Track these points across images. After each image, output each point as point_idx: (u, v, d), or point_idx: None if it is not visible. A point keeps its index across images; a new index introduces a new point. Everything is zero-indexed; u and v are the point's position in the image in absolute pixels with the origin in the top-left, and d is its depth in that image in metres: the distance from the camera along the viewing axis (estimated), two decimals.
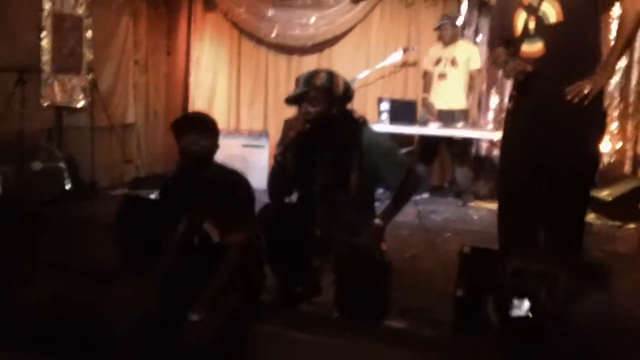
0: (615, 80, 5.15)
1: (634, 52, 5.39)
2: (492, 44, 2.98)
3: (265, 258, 2.74)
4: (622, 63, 5.35)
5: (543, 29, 2.71)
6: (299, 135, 2.60)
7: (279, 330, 2.64)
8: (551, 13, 2.68)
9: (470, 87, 5.78)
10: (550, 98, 2.74)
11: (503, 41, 2.94)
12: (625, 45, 2.77)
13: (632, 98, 5.33)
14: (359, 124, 2.75)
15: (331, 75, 2.69)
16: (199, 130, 2.60)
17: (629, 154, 5.52)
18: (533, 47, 2.74)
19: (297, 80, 2.73)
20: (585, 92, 2.64)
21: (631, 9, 2.65)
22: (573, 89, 2.66)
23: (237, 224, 2.56)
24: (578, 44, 2.73)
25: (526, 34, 2.76)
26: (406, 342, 2.44)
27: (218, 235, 2.59)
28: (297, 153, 2.70)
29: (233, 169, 2.74)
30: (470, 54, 5.70)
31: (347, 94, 2.73)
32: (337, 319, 2.65)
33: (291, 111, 6.69)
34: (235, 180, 2.67)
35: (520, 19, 2.77)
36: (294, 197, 2.85)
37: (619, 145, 5.54)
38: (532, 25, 2.73)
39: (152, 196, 5.35)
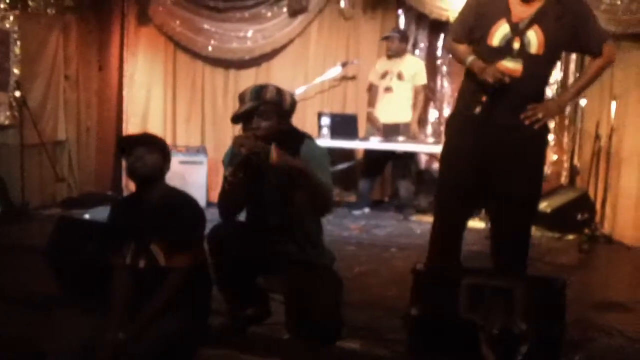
0: (551, 93, 5.29)
1: (570, 63, 5.55)
2: (455, 35, 2.99)
3: (214, 280, 2.65)
4: (558, 75, 5.51)
5: (525, 54, 2.79)
6: (250, 153, 2.49)
7: (229, 353, 2.56)
8: (534, 43, 2.77)
9: (415, 101, 5.83)
10: (512, 115, 2.82)
11: (468, 39, 2.97)
12: (586, 86, 3.01)
13: (568, 110, 5.47)
14: (305, 138, 2.70)
15: (280, 90, 2.63)
16: (145, 145, 2.52)
17: (565, 165, 5.66)
18: (514, 66, 2.79)
19: (243, 96, 2.62)
20: (539, 117, 2.79)
21: (606, 59, 2.84)
22: (528, 111, 2.79)
23: (183, 246, 2.47)
24: (543, 79, 2.96)
25: (508, 51, 2.80)
26: None
27: (164, 258, 2.49)
28: (247, 171, 2.57)
29: (181, 190, 2.65)
30: (417, 69, 5.76)
31: (293, 108, 2.68)
32: (288, 340, 2.59)
33: (227, 126, 6.64)
34: (182, 201, 2.59)
35: (501, 31, 2.81)
36: (241, 216, 2.78)
37: (555, 157, 5.68)
38: (516, 45, 2.79)
39: (86, 216, 5.21)
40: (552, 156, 5.63)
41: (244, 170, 2.47)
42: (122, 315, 2.49)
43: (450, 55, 3.37)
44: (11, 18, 5.62)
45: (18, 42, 5.71)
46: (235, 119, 2.61)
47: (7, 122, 5.63)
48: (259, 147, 2.39)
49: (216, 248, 2.57)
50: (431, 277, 2.32)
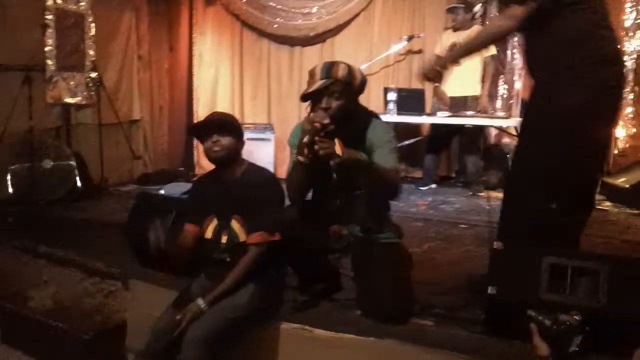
0: (629, 64, 5.06)
1: None
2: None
3: (287, 257, 2.72)
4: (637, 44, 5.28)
5: None
6: (320, 132, 2.46)
7: (301, 328, 2.63)
8: None
9: (484, 74, 5.71)
10: None
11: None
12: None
13: None
14: (372, 119, 2.69)
15: (351, 67, 2.60)
16: (218, 129, 2.58)
17: None
18: None
19: (313, 73, 2.60)
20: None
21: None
22: None
23: (263, 223, 2.55)
24: None
25: None
26: (434, 342, 2.38)
27: (244, 234, 2.58)
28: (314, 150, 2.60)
29: (263, 167, 2.73)
30: None
31: (363, 86, 2.65)
32: (360, 317, 2.62)
33: (292, 103, 6.70)
34: (264, 179, 2.66)
35: None
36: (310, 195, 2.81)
37: (634, 130, 5.47)
38: None
39: (161, 192, 5.40)
40: (631, 129, 5.43)
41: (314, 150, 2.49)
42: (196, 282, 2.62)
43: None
44: (85, 1, 5.79)
45: (92, 24, 5.88)
46: (305, 98, 2.59)
47: (84, 102, 5.84)
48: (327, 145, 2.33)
49: (288, 231, 2.58)
50: (510, 255, 2.29)
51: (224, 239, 2.63)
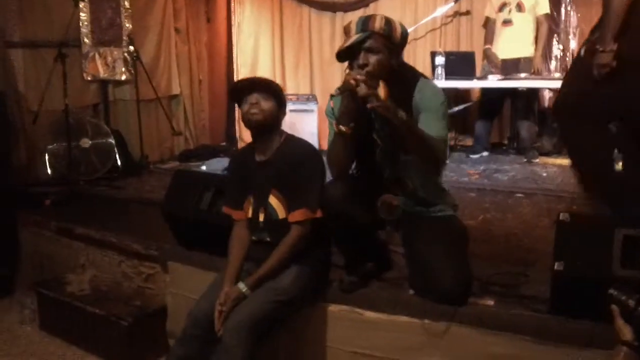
0: None
1: None
2: None
3: (332, 236, 2.52)
4: None
5: None
6: (358, 96, 2.19)
7: (351, 310, 2.46)
8: None
9: (538, 33, 5.36)
10: None
11: None
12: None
13: None
14: (419, 76, 2.43)
15: (389, 19, 2.32)
16: (259, 91, 2.38)
17: None
18: None
19: (348, 28, 2.34)
20: None
21: None
22: None
23: (303, 199, 2.35)
24: None
25: None
26: (495, 324, 2.17)
27: (283, 210, 2.40)
28: (358, 117, 2.32)
29: (303, 139, 2.52)
30: None
31: (405, 40, 2.38)
32: (414, 297, 2.42)
33: (335, 71, 6.49)
34: (303, 151, 2.45)
35: None
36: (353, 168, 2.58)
37: None
38: None
39: (203, 168, 5.27)
40: None
41: (355, 117, 2.26)
42: (240, 268, 2.45)
43: None
44: None
45: None
46: (341, 55, 2.33)
47: (123, 78, 5.73)
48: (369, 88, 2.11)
49: (332, 207, 2.38)
50: (579, 228, 2.04)
51: (261, 217, 2.45)
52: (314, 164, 2.41)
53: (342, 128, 2.27)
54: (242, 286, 2.33)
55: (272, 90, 2.42)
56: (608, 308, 1.56)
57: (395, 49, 2.34)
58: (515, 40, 5.35)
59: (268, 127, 2.42)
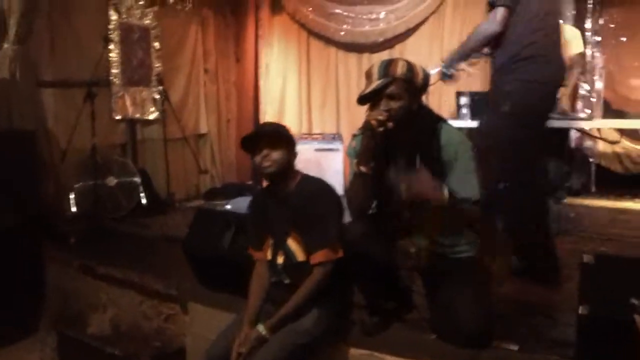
0: None
1: None
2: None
3: (353, 276, 2.48)
4: None
5: None
6: (379, 137, 2.24)
7: (371, 354, 2.42)
8: None
9: (570, 72, 5.30)
10: None
11: None
12: None
13: None
14: (439, 120, 2.41)
15: (410, 64, 2.33)
16: (268, 143, 2.38)
17: None
18: None
19: (370, 73, 2.35)
20: None
21: None
22: None
23: (321, 239, 2.32)
24: None
25: None
26: None
27: (302, 253, 2.37)
28: (378, 158, 2.34)
29: (318, 178, 2.50)
30: (571, 36, 5.22)
31: (426, 84, 2.38)
32: (436, 341, 2.35)
33: (361, 111, 6.50)
34: (318, 191, 2.43)
35: None
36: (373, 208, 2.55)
37: None
38: None
39: (228, 207, 5.27)
40: None
41: (375, 158, 2.24)
42: (260, 310, 2.42)
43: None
44: (150, 14, 5.78)
45: (158, 38, 5.86)
46: (362, 99, 2.34)
47: (151, 117, 5.81)
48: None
49: (352, 247, 2.35)
50: (603, 270, 1.98)
51: (280, 259, 2.44)
52: (329, 201, 2.40)
53: (362, 168, 2.26)
54: (261, 328, 2.30)
55: (280, 139, 2.41)
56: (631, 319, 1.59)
57: (416, 93, 2.35)
58: None
59: (281, 174, 2.42)
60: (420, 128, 2.33)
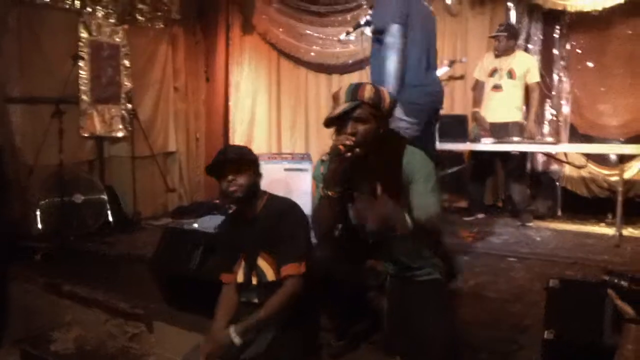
0: None
1: None
2: None
3: (320, 298, 2.49)
4: None
5: None
6: (346, 161, 2.24)
7: None
8: None
9: (530, 100, 5.43)
10: None
11: None
12: None
13: None
14: (404, 143, 2.44)
15: (378, 89, 2.35)
16: (233, 169, 2.41)
17: None
18: None
19: (337, 97, 2.35)
20: None
21: None
22: None
23: (290, 255, 2.35)
24: None
25: None
26: None
27: (273, 273, 2.39)
28: (344, 181, 2.32)
29: (284, 197, 2.53)
30: (529, 65, 5.36)
31: (393, 108, 2.39)
32: None
33: (331, 132, 6.56)
34: (285, 208, 2.48)
35: None
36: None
37: None
38: None
39: (195, 225, 5.24)
40: None
41: (342, 182, 2.26)
42: (225, 327, 2.41)
43: None
44: (120, 32, 5.78)
45: (127, 56, 5.84)
46: (330, 122, 2.34)
47: (119, 135, 5.77)
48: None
49: (319, 269, 2.36)
50: (569, 294, 2.02)
51: (254, 280, 2.45)
52: (297, 218, 2.45)
53: (329, 192, 2.27)
54: (232, 333, 2.29)
55: (245, 163, 2.44)
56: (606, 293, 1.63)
57: (383, 117, 2.36)
58: (505, 105, 5.41)
59: (248, 197, 2.45)
60: (386, 152, 2.34)
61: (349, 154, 2.21)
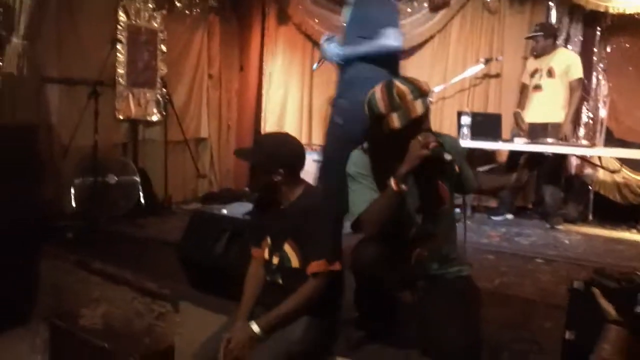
0: None
1: None
2: None
3: (355, 292, 2.52)
4: None
5: None
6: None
7: None
8: None
9: (570, 98, 5.33)
10: None
11: None
12: None
13: None
14: (442, 135, 2.45)
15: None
16: (259, 167, 2.43)
17: None
18: None
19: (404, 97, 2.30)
20: None
21: None
22: None
23: (317, 252, 2.33)
24: None
25: None
26: None
27: (297, 260, 2.39)
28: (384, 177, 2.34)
29: (318, 191, 2.54)
30: (570, 62, 5.25)
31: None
32: (420, 356, 2.38)
33: None
34: (318, 205, 2.43)
35: None
36: None
37: None
38: None
39: (224, 211, 5.30)
40: None
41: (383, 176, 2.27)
42: (253, 308, 2.45)
43: None
44: (158, 18, 5.85)
45: (164, 42, 5.92)
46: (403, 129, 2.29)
47: (154, 119, 5.85)
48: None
49: (362, 268, 2.39)
50: (592, 297, 2.00)
51: (275, 260, 2.45)
52: (327, 215, 2.41)
53: (403, 187, 2.25)
54: (254, 327, 2.30)
55: (271, 163, 2.40)
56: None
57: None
58: (544, 105, 5.32)
59: (268, 194, 2.48)
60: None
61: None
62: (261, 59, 7.33)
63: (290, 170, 2.42)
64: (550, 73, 5.26)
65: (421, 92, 2.28)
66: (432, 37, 6.44)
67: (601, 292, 1.60)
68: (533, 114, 5.39)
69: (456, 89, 6.27)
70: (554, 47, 5.35)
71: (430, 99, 2.35)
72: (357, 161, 2.46)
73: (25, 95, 4.50)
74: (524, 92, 5.60)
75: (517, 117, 5.49)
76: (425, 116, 2.30)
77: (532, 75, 5.42)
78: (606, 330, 1.54)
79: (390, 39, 3.43)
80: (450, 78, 6.15)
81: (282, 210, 2.46)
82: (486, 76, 6.19)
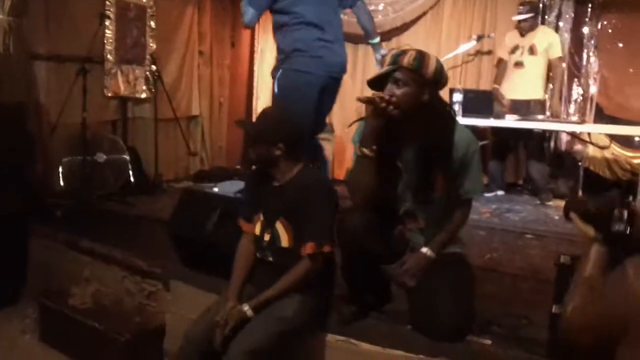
0: None
1: None
2: None
3: (343, 266, 2.52)
4: None
5: None
6: (382, 118, 2.25)
7: (348, 342, 2.45)
8: None
9: (551, 76, 5.36)
10: None
11: None
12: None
13: None
14: (451, 117, 2.43)
15: (422, 56, 2.29)
16: (264, 140, 2.41)
17: None
18: None
19: (383, 60, 2.39)
20: None
21: None
22: None
23: (310, 233, 2.33)
24: None
25: None
26: None
27: (288, 239, 2.39)
28: (383, 145, 2.33)
29: (317, 171, 2.52)
30: (551, 40, 5.30)
31: (440, 78, 2.34)
32: (411, 332, 2.39)
33: (356, 103, 6.51)
34: (314, 185, 2.43)
35: None
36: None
37: None
38: None
39: (215, 189, 5.28)
40: None
41: (379, 141, 2.26)
42: (243, 286, 2.44)
43: None
44: None
45: (153, 17, 5.84)
46: (371, 84, 2.35)
47: (143, 96, 5.79)
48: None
49: (346, 238, 2.39)
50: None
51: (266, 237, 2.45)
52: (324, 196, 2.40)
53: (365, 150, 2.27)
54: (246, 308, 2.31)
55: (275, 137, 2.39)
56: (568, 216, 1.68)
57: (427, 85, 2.31)
58: (526, 82, 5.37)
59: (264, 166, 2.48)
60: (432, 122, 2.34)
61: (383, 105, 2.21)
62: (253, 36, 7.26)
63: (291, 146, 2.41)
64: (532, 50, 5.30)
65: (395, 61, 2.28)
66: (425, 13, 6.42)
67: (580, 215, 1.63)
68: (514, 90, 5.43)
69: (448, 65, 6.23)
70: (536, 24, 5.36)
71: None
72: (359, 129, 2.45)
73: (12, 72, 4.43)
74: (500, 67, 5.61)
75: (497, 93, 5.48)
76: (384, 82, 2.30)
77: (513, 51, 5.43)
78: (585, 251, 1.59)
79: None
80: (443, 55, 6.09)
81: (278, 187, 2.45)
82: (478, 53, 6.17)
